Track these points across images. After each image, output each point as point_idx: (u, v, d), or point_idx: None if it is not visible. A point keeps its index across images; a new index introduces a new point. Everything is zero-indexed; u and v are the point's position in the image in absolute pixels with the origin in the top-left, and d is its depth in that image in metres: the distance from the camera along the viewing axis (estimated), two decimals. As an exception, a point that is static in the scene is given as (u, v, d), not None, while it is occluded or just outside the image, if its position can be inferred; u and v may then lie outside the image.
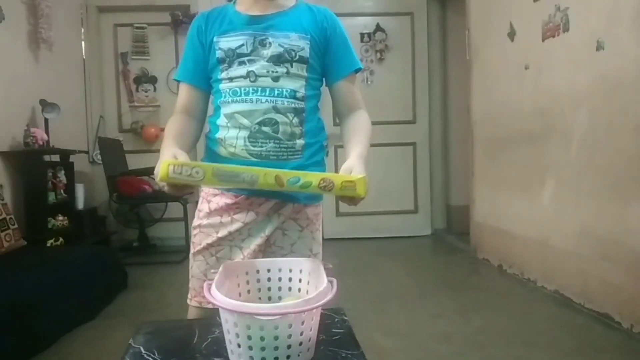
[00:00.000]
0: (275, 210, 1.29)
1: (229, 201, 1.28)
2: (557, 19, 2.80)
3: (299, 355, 0.90)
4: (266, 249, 1.32)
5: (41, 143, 3.42)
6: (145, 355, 0.97)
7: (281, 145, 1.24)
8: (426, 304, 2.83)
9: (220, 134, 1.27)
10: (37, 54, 3.73)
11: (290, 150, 1.25)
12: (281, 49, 1.22)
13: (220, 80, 1.26)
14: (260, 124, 1.22)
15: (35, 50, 3.71)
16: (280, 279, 1.10)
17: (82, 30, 4.58)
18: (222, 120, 1.26)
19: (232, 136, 1.24)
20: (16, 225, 2.95)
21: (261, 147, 1.23)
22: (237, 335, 0.89)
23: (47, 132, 3.54)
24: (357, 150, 1.24)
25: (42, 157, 3.46)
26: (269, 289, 1.10)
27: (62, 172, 3.69)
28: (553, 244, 2.91)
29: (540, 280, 3.05)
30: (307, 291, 1.06)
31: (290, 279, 1.10)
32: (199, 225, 1.32)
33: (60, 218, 3.57)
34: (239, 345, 0.90)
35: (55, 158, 3.70)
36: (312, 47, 1.25)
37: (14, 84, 3.42)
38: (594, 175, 2.55)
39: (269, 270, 1.11)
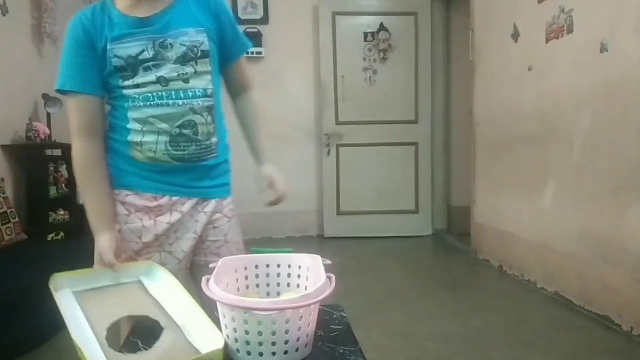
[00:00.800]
0: (199, 208, 1.30)
1: (150, 203, 1.26)
2: (562, 21, 2.79)
3: (296, 350, 0.90)
4: (200, 247, 1.33)
5: (43, 137, 3.42)
6: (142, 349, 0.97)
7: (201, 146, 1.25)
8: (425, 304, 2.83)
9: (133, 138, 1.22)
10: (41, 48, 3.73)
11: (208, 150, 1.28)
12: (184, 48, 1.20)
13: (123, 87, 1.21)
14: (180, 127, 1.21)
15: (39, 44, 3.71)
16: (279, 275, 1.11)
17: (86, 25, 4.58)
18: (133, 124, 1.21)
19: (150, 141, 1.21)
20: (17, 219, 2.95)
21: (183, 150, 1.23)
22: (235, 330, 0.89)
23: (49, 127, 3.54)
24: (264, 151, 1.46)
25: (43, 151, 3.47)
26: (268, 284, 1.10)
27: (64, 166, 3.69)
28: (553, 246, 2.91)
29: (540, 281, 3.05)
30: (306, 287, 1.06)
31: (289, 275, 1.10)
32: (118, 231, 1.25)
33: (61, 212, 3.57)
34: (236, 340, 0.90)
35: (57, 152, 3.70)
36: (210, 38, 1.24)
37: (17, 78, 3.42)
38: (595, 177, 2.54)
39: (267, 266, 1.11)
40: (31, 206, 3.36)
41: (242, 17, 4.73)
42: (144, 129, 1.21)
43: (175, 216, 1.27)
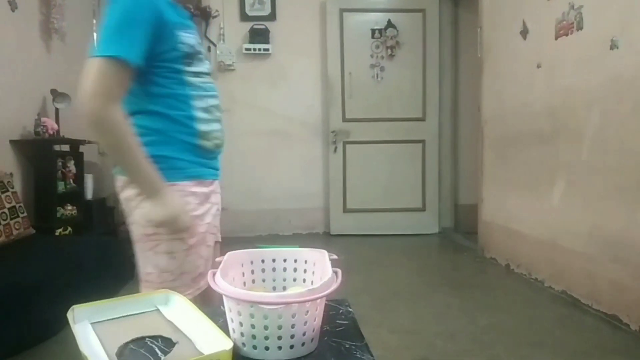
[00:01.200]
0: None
1: (207, 189, 1.33)
2: (571, 17, 2.77)
3: (302, 345, 0.89)
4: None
5: (51, 132, 3.44)
6: (148, 343, 0.97)
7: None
8: (432, 302, 2.82)
9: (202, 127, 1.27)
10: (49, 44, 3.75)
11: None
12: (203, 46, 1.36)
13: (185, 72, 1.24)
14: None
15: (47, 40, 3.73)
16: (285, 270, 1.10)
17: (94, 21, 4.59)
18: (200, 114, 1.27)
19: (215, 129, 1.31)
20: (25, 214, 2.97)
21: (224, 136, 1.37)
22: (241, 324, 0.89)
23: (57, 122, 3.56)
24: None
25: (52, 146, 3.48)
26: (274, 279, 1.10)
27: (72, 162, 3.71)
28: (562, 245, 2.88)
29: (547, 280, 3.03)
30: (312, 282, 1.06)
31: (295, 270, 1.09)
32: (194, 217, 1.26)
33: (69, 207, 3.59)
34: (242, 334, 0.89)
35: (65, 148, 3.72)
36: None
37: (26, 73, 3.44)
38: (605, 176, 2.52)
39: (274, 260, 1.10)
40: (39, 201, 3.38)
41: (250, 13, 4.74)
42: (209, 117, 1.29)
43: (218, 198, 1.39)
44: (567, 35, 2.82)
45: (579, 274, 2.72)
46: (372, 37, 4.73)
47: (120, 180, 1.28)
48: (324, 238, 4.74)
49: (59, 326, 2.30)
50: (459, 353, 2.12)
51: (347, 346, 0.93)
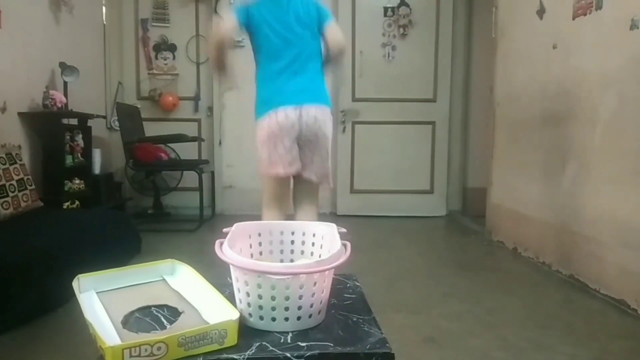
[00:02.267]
0: None
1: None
2: (590, -4, 2.69)
3: (309, 317, 0.88)
4: None
5: (60, 106, 3.43)
6: (154, 311, 0.96)
7: None
8: (438, 282, 2.81)
9: None
10: (58, 16, 3.72)
11: None
12: None
13: None
14: None
15: (56, 12, 3.69)
16: (293, 242, 1.09)
17: (103, -6, 4.55)
18: None
19: None
20: (33, 186, 2.97)
21: None
22: (248, 294, 0.88)
23: (65, 95, 3.54)
24: None
25: (60, 119, 3.48)
26: (282, 251, 1.09)
27: (80, 135, 3.70)
28: (571, 229, 2.85)
29: (555, 264, 3.01)
30: (320, 255, 1.04)
31: (303, 242, 1.08)
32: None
33: (77, 181, 3.59)
34: (249, 305, 0.88)
35: (74, 122, 3.72)
36: None
37: (35, 46, 3.41)
38: (618, 159, 2.47)
39: (282, 233, 1.09)
40: (47, 174, 3.39)
41: (261, -11, 4.66)
42: None
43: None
44: (585, 15, 2.75)
45: (587, 258, 2.69)
46: (385, 15, 4.65)
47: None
48: (330, 218, 4.72)
49: (67, 297, 2.30)
50: (464, 333, 2.11)
51: (354, 319, 0.92)
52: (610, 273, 2.51)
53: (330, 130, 2.30)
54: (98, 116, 4.05)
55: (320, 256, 1.04)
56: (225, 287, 1.01)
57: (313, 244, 1.07)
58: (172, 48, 4.76)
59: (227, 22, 2.14)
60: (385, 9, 4.64)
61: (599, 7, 2.63)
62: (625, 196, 2.41)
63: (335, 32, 2.21)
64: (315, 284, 0.86)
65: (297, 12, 2.20)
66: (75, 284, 1.05)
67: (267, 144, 2.16)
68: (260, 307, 0.87)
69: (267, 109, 2.15)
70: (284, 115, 2.12)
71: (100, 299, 1.02)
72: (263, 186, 2.30)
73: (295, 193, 2.38)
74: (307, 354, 0.80)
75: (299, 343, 0.83)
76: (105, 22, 4.58)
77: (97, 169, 4.00)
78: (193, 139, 4.47)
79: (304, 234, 1.08)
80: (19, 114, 3.23)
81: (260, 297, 0.86)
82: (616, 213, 2.48)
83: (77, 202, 3.54)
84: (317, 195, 2.39)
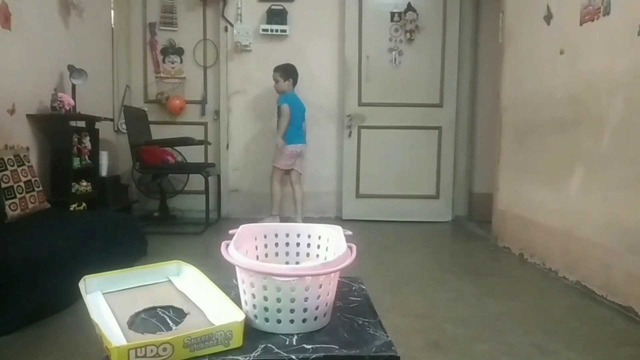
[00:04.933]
0: None
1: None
2: (598, 2, 2.68)
3: (315, 319, 0.88)
4: None
5: (68, 108, 3.45)
6: (160, 313, 0.97)
7: None
8: (444, 288, 2.80)
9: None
10: (67, 20, 3.75)
11: None
12: None
13: None
14: None
15: (65, 15, 3.73)
16: (298, 244, 1.09)
17: (112, -2, 4.59)
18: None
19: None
20: (41, 188, 2.99)
21: None
22: (254, 296, 0.88)
23: (74, 98, 3.57)
24: None
25: (68, 122, 3.50)
26: (287, 253, 1.09)
27: (88, 138, 3.72)
28: (578, 235, 2.84)
29: (562, 270, 2.99)
30: (326, 257, 1.04)
31: (308, 245, 1.08)
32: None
33: (84, 184, 3.61)
34: (254, 307, 0.88)
35: (81, 124, 3.74)
36: None
37: (44, 48, 3.44)
38: (626, 165, 2.46)
39: (287, 235, 1.09)
40: (55, 176, 3.41)
41: (268, -7, 4.68)
42: None
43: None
44: (592, 20, 2.74)
45: (594, 264, 2.68)
46: (392, 20, 4.66)
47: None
48: (336, 223, 4.65)
49: (73, 298, 2.32)
50: (469, 338, 2.10)
51: (360, 322, 0.91)
52: (618, 280, 2.49)
53: (304, 153, 4.48)
54: (105, 119, 4.07)
55: (325, 258, 1.04)
56: (231, 289, 1.02)
57: (319, 246, 1.08)
58: (179, 52, 4.79)
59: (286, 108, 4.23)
60: (392, 14, 4.65)
61: (606, 12, 2.62)
62: (632, 202, 2.40)
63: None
64: (320, 286, 0.86)
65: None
66: (81, 284, 1.05)
67: (287, 157, 4.31)
68: (266, 309, 0.87)
69: (290, 142, 4.32)
70: (295, 147, 4.29)
71: (107, 300, 1.03)
72: (274, 172, 4.40)
73: (291, 178, 4.47)
74: (313, 357, 0.80)
75: (305, 345, 0.83)
76: (113, 26, 4.61)
77: (104, 172, 4.02)
78: (199, 142, 4.49)
79: (309, 236, 1.08)
80: (28, 116, 3.25)
81: (265, 298, 0.86)
82: (623, 219, 2.46)
83: (83, 204, 3.56)
84: (300, 180, 4.51)
